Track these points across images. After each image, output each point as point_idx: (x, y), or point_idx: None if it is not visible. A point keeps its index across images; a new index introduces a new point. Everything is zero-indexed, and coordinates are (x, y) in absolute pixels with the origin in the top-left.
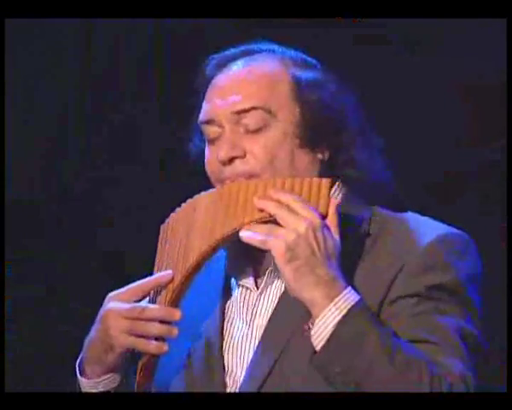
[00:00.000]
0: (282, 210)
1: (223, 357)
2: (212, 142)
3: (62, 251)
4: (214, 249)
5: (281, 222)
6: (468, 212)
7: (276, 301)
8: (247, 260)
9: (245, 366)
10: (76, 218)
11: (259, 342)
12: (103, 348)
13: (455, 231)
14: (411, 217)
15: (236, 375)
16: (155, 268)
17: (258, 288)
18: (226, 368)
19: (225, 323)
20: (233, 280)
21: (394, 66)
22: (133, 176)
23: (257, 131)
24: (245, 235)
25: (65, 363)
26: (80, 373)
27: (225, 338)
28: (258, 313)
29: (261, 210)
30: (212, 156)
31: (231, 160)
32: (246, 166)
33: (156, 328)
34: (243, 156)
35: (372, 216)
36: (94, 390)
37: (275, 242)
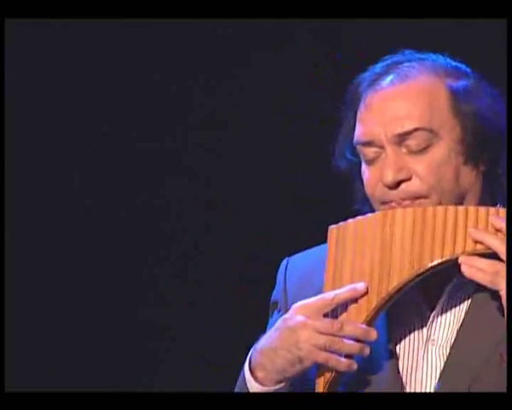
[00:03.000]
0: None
1: (401, 380)
2: (370, 162)
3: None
4: (419, 276)
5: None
6: None
7: (455, 325)
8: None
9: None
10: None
11: (444, 370)
12: (290, 360)
13: None
14: None
15: None
16: (328, 274)
17: (431, 308)
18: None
19: (394, 342)
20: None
21: None
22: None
23: (420, 151)
24: (467, 269)
25: (65, 363)
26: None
27: (400, 359)
28: (432, 335)
29: (476, 241)
30: (373, 178)
31: (398, 183)
32: (412, 188)
33: (351, 346)
34: (409, 179)
35: None
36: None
37: (504, 282)
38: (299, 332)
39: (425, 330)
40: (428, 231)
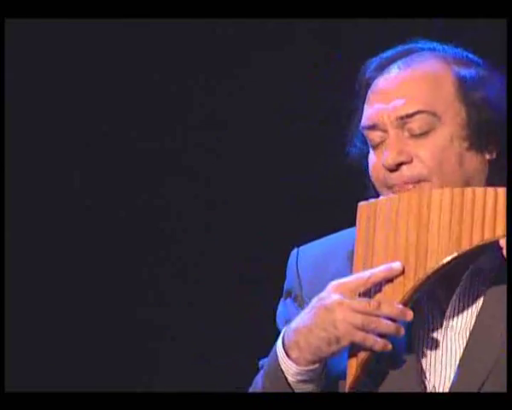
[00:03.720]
0: None
1: (421, 367)
2: (376, 147)
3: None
4: (459, 257)
5: None
6: None
7: (473, 311)
8: None
9: (446, 385)
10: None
11: (461, 363)
12: (326, 339)
13: None
14: None
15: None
16: (358, 253)
17: (448, 296)
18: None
19: (413, 330)
20: None
21: None
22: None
23: (422, 135)
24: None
25: (65, 363)
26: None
27: (419, 347)
28: (450, 322)
29: None
30: (377, 162)
31: (398, 165)
32: (413, 172)
33: (387, 326)
34: (410, 162)
35: None
36: (298, 377)
37: None
38: (336, 311)
39: (443, 317)
40: (468, 212)
